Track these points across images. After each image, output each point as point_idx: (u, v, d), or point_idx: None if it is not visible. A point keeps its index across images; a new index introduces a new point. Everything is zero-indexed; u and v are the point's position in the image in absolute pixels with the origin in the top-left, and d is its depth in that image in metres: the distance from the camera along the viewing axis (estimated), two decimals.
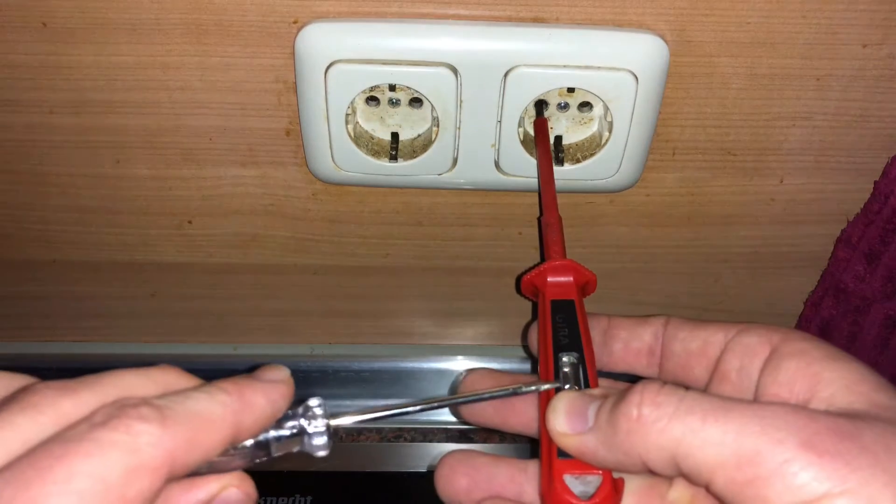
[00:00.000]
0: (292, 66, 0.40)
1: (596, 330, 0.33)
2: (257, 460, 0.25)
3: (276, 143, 0.44)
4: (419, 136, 0.43)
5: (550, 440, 0.26)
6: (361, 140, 0.42)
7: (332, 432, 0.26)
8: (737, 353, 0.28)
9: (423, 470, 0.55)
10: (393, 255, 0.51)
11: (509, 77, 0.38)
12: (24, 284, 0.53)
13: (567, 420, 0.26)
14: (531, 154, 0.42)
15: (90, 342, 0.58)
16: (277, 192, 0.47)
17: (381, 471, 0.55)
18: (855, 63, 0.40)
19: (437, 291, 0.54)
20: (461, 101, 0.40)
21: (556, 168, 0.41)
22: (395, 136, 0.42)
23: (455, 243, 0.50)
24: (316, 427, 0.25)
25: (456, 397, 0.30)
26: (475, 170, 0.43)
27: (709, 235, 0.49)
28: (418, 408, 0.28)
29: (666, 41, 0.38)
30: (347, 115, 0.40)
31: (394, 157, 0.42)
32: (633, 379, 0.28)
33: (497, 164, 0.43)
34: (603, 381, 0.30)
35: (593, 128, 0.42)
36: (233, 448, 0.24)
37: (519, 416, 0.32)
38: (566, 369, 0.29)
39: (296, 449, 0.26)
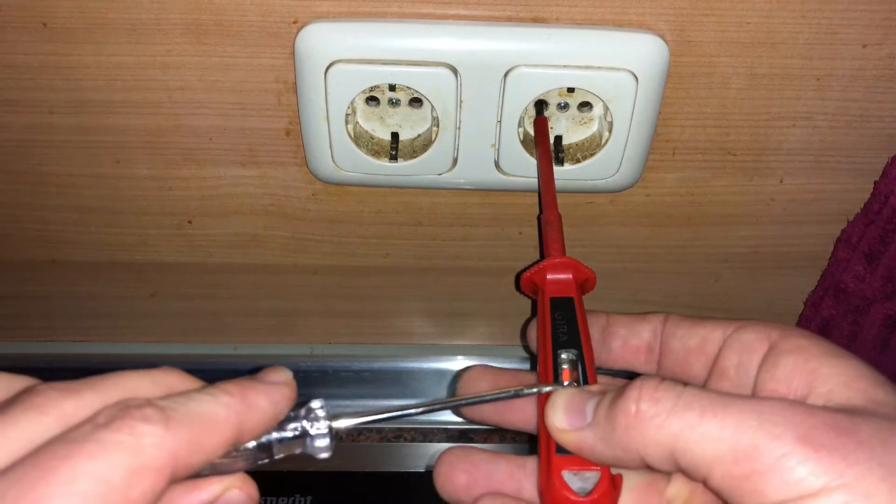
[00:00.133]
0: (292, 66, 0.40)
1: (595, 327, 0.33)
2: (259, 462, 0.25)
3: (276, 143, 0.44)
4: (419, 136, 0.43)
5: (549, 436, 0.27)
6: (361, 140, 0.42)
7: (334, 434, 0.26)
8: (735, 349, 0.28)
9: (423, 470, 0.55)
10: (393, 255, 0.51)
11: (509, 77, 0.38)
12: (23, 284, 0.53)
13: (566, 416, 0.26)
14: (531, 154, 0.42)
15: (90, 342, 0.58)
16: (277, 192, 0.47)
17: (381, 471, 0.55)
18: (855, 63, 0.40)
19: (437, 291, 0.54)
20: (461, 101, 0.40)
21: (556, 168, 0.41)
22: (395, 136, 0.42)
23: (455, 243, 0.50)
24: (318, 429, 0.26)
25: (458, 399, 0.30)
26: (475, 170, 0.43)
27: (709, 235, 0.49)
28: (420, 409, 0.28)
29: (666, 41, 0.38)
30: (347, 115, 0.41)
31: (394, 157, 0.42)
32: (631, 376, 0.28)
33: (497, 164, 0.43)
34: (602, 378, 0.30)
35: (593, 128, 0.42)
36: (235, 450, 0.24)
37: (518, 412, 0.32)
38: (565, 366, 0.29)
39: (298, 451, 0.26)
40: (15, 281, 0.53)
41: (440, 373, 0.58)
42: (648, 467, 0.24)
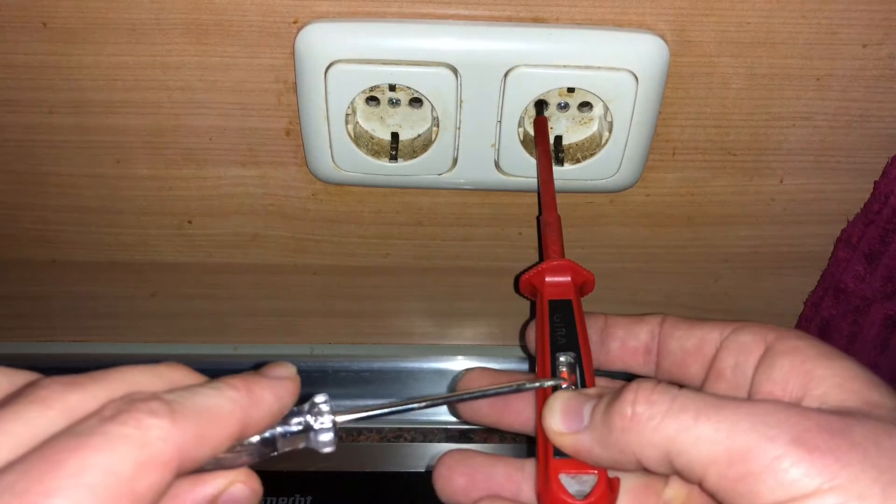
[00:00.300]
0: (292, 66, 0.40)
1: (593, 329, 0.33)
2: (263, 457, 0.25)
3: (276, 143, 0.44)
4: (419, 136, 0.43)
5: (547, 439, 0.27)
6: (361, 140, 0.42)
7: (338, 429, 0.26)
8: (732, 351, 0.29)
9: (423, 470, 0.55)
10: (393, 255, 0.51)
11: (509, 77, 0.38)
12: (24, 284, 0.53)
13: (563, 419, 0.26)
14: (531, 154, 0.42)
15: (90, 342, 0.58)
16: (277, 192, 0.47)
17: (381, 471, 0.55)
18: (855, 63, 0.40)
19: (437, 291, 0.54)
20: (461, 101, 0.40)
21: (555, 168, 0.41)
22: (395, 136, 0.42)
23: (455, 243, 0.50)
24: (322, 423, 0.26)
25: (460, 393, 0.30)
26: (475, 170, 0.43)
27: (709, 235, 0.49)
28: (423, 404, 0.28)
29: (666, 41, 0.38)
30: (347, 115, 0.41)
31: (394, 157, 0.42)
32: (630, 377, 0.28)
33: (497, 164, 0.43)
34: (600, 380, 0.30)
35: (593, 128, 0.42)
36: (239, 444, 0.24)
37: (516, 414, 0.32)
38: (563, 369, 0.29)
39: (301, 445, 0.26)
40: (15, 281, 0.53)
41: (440, 373, 0.58)
42: (645, 470, 0.24)
